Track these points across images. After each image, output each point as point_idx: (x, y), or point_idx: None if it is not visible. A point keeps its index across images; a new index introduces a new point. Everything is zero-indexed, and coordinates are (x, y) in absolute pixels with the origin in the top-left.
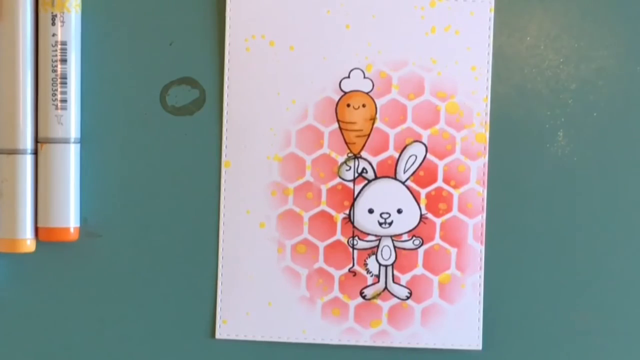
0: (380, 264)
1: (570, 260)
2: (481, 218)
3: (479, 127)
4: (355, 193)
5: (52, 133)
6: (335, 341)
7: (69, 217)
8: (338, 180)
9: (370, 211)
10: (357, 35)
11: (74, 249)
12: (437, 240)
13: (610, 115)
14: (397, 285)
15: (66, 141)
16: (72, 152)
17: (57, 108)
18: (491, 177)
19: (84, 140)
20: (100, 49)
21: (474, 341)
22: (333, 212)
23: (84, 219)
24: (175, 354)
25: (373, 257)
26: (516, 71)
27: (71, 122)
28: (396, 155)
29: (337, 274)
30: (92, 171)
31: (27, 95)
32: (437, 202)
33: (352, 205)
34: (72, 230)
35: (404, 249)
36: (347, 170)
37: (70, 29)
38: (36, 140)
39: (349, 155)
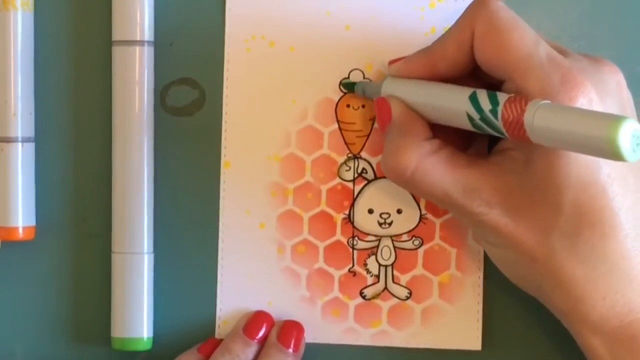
0: (380, 264)
1: None
2: None
3: None
4: (355, 193)
5: (10, 132)
6: (335, 341)
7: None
8: (338, 180)
9: (370, 211)
10: (357, 35)
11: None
12: (437, 240)
13: None
14: (397, 285)
15: (24, 140)
16: (26, 151)
17: (11, 108)
18: None
19: (82, 140)
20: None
21: (473, 341)
22: (333, 212)
23: (83, 218)
24: (175, 354)
25: (373, 257)
26: None
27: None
28: None
29: (337, 274)
30: (92, 171)
31: None
32: None
33: (352, 205)
34: (20, 230)
35: (404, 249)
36: (347, 170)
37: (21, 26)
38: None
39: (349, 155)
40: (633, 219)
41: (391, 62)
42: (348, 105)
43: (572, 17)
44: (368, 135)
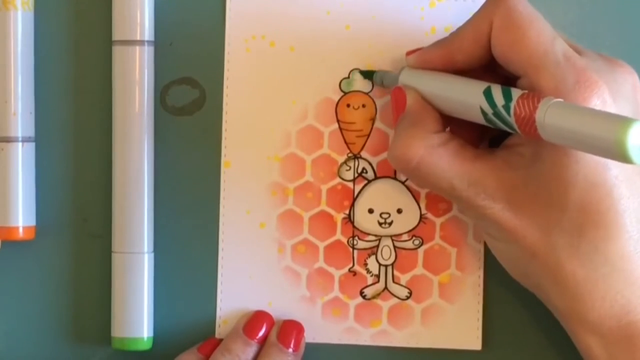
0: (380, 264)
1: None
2: None
3: None
4: (355, 193)
5: (10, 132)
6: (335, 341)
7: (18, 216)
8: (338, 180)
9: (370, 211)
10: (357, 35)
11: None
12: (437, 240)
13: None
14: (397, 285)
15: (24, 140)
16: (27, 151)
17: (11, 107)
18: None
19: (82, 140)
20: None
21: (473, 341)
22: (333, 212)
23: (83, 218)
24: (175, 354)
25: (373, 257)
26: None
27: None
28: None
29: (337, 273)
30: (92, 171)
31: None
32: (437, 202)
33: (352, 205)
34: (20, 230)
35: (404, 248)
36: (347, 170)
37: (21, 26)
38: None
39: (349, 155)
40: (637, 222)
41: (409, 53)
42: (348, 105)
43: (572, 17)
44: (368, 135)
